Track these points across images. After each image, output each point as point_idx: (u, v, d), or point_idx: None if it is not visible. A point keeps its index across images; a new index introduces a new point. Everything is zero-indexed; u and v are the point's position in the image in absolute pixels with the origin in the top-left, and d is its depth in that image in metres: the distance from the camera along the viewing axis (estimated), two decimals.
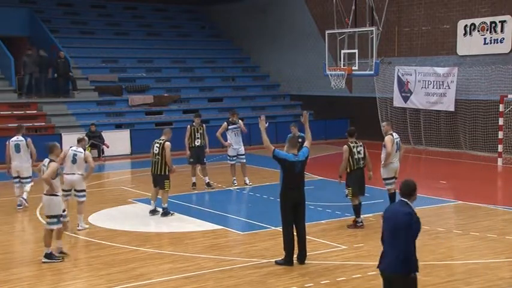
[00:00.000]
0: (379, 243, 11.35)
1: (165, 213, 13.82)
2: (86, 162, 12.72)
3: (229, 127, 17.27)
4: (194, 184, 16.99)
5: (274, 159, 10.17)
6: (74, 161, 12.68)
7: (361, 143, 12.83)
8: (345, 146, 12.70)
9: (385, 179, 13.39)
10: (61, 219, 10.78)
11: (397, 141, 13.37)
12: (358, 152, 12.65)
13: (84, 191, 12.86)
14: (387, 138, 13.30)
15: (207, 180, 17.14)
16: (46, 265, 10.58)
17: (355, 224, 12.61)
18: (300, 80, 30.44)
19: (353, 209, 12.70)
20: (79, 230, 12.64)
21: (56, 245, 10.84)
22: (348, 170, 12.62)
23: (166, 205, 13.84)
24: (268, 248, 11.19)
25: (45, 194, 10.78)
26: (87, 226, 12.90)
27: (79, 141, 12.87)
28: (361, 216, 12.90)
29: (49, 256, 10.67)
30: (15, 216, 14.59)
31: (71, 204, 12.88)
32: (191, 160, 16.93)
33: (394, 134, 13.55)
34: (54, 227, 10.69)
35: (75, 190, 12.81)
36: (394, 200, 13.20)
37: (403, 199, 6.83)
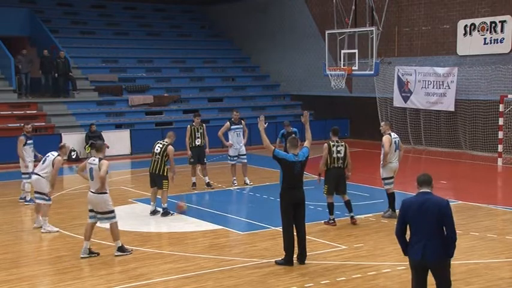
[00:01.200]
0: (378, 243, 11.42)
1: (165, 213, 13.82)
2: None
3: (232, 127, 17.26)
4: (194, 184, 16.97)
5: (274, 159, 10.18)
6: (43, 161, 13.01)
7: (342, 143, 12.88)
8: (325, 144, 12.81)
9: (384, 179, 13.37)
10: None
11: (395, 141, 13.33)
12: (338, 152, 12.72)
13: (45, 194, 12.77)
14: (385, 138, 13.29)
15: (207, 180, 17.12)
16: (46, 265, 10.61)
17: (328, 222, 12.77)
18: (300, 80, 30.44)
19: (327, 206, 12.82)
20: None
21: (88, 243, 10.87)
22: (325, 168, 12.76)
23: (166, 205, 13.84)
24: (268, 248, 11.19)
25: (93, 193, 10.81)
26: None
27: (59, 147, 13.02)
28: (362, 215, 12.93)
29: (121, 249, 10.85)
30: (15, 215, 14.59)
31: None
32: (191, 160, 16.90)
33: (392, 133, 13.51)
34: (114, 220, 10.87)
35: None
36: (394, 199, 13.22)
37: (426, 190, 7.10)
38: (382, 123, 13.78)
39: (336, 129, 13.09)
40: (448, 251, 7.03)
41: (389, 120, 25.14)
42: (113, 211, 10.90)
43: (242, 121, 17.62)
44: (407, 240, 7.21)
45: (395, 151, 13.32)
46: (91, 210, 10.94)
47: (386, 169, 13.29)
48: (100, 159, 10.83)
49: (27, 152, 15.24)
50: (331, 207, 12.80)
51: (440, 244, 7.00)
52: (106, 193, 10.80)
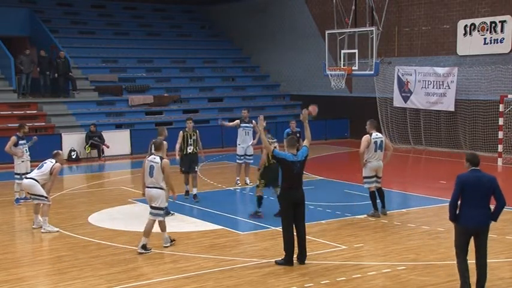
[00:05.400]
0: (378, 243, 11.42)
1: (166, 213, 13.78)
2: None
3: (241, 125, 17.17)
4: (187, 193, 15.88)
5: (273, 159, 10.19)
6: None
7: (274, 140, 13.62)
8: (367, 136, 13.33)
9: (364, 177, 13.46)
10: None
11: (376, 141, 13.36)
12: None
13: (43, 196, 12.75)
14: (363, 138, 13.34)
15: (195, 192, 15.63)
16: (46, 265, 10.62)
17: (255, 213, 13.48)
18: (300, 80, 30.44)
19: (257, 199, 13.47)
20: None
21: (163, 236, 11.34)
22: (267, 164, 13.27)
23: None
24: (268, 248, 11.19)
25: (153, 188, 11.19)
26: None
27: (55, 155, 13.07)
28: (362, 215, 12.92)
29: (145, 247, 11.07)
30: (15, 215, 14.60)
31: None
32: (182, 169, 15.63)
33: (374, 133, 13.51)
34: (161, 218, 11.31)
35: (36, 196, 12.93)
36: (375, 198, 13.28)
37: (477, 168, 8.60)
38: (367, 122, 13.75)
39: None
40: (494, 216, 8.60)
41: (390, 120, 25.19)
42: (163, 209, 11.38)
43: (253, 121, 17.51)
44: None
45: (375, 151, 13.36)
46: (151, 207, 11.33)
47: (366, 168, 13.38)
48: (161, 158, 11.21)
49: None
50: (261, 199, 13.53)
51: (489, 213, 8.59)
52: (164, 189, 11.22)
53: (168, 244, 11.37)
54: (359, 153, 13.26)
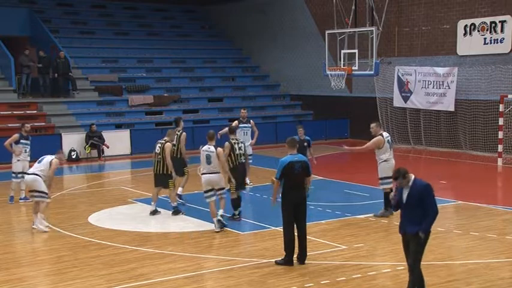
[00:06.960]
0: (378, 243, 11.43)
1: (176, 211, 13.84)
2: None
3: (239, 125, 17.14)
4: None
5: (283, 175, 10.12)
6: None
7: (241, 140, 14.08)
8: (227, 143, 13.53)
9: (382, 178, 13.31)
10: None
11: (389, 140, 13.39)
12: (240, 148, 13.56)
13: (44, 193, 12.76)
14: (378, 139, 13.23)
15: (180, 191, 15.31)
16: (46, 265, 10.62)
17: (232, 217, 13.38)
18: (300, 80, 30.44)
19: (233, 202, 13.37)
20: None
21: (215, 218, 12.38)
22: (231, 165, 13.30)
23: (175, 204, 13.86)
24: (268, 248, 11.20)
25: (211, 173, 12.41)
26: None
27: (56, 153, 13.26)
28: (362, 215, 12.91)
29: (220, 222, 12.40)
30: (15, 215, 14.60)
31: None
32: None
33: (384, 133, 13.53)
34: (224, 195, 12.65)
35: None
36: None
37: None
38: (373, 125, 13.57)
39: (233, 127, 14.29)
40: None
41: (390, 120, 25.20)
42: (224, 188, 12.64)
43: (251, 121, 17.52)
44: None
45: (390, 149, 13.34)
46: (210, 190, 12.47)
47: (386, 168, 13.23)
48: (215, 147, 12.48)
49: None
50: (237, 202, 13.52)
51: None
52: (219, 173, 12.49)
53: (218, 230, 12.23)
54: (366, 146, 13.33)
